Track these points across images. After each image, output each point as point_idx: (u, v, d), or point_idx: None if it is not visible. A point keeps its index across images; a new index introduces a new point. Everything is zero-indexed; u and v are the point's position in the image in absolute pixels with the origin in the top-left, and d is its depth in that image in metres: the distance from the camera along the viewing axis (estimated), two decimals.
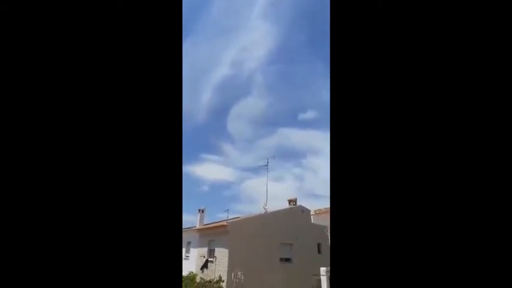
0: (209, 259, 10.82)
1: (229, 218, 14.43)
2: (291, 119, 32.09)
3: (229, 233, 10.18)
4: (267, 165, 13.71)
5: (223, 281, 9.37)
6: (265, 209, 12.51)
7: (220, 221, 12.97)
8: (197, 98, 31.84)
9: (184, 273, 11.04)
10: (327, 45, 1.71)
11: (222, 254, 10.11)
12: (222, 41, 28.25)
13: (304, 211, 12.49)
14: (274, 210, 12.24)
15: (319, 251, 12.01)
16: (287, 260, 11.02)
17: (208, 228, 12.20)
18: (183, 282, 10.03)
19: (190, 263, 12.14)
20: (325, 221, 11.74)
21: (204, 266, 10.80)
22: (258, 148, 31.62)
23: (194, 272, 11.06)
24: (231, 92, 31.13)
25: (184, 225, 16.72)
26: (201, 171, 33.76)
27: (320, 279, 7.68)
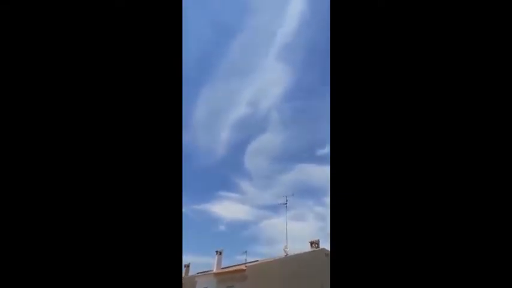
0: None
1: (247, 260, 13.66)
2: (309, 155, 31.58)
3: (248, 279, 9.56)
4: (286, 203, 13.26)
5: None
6: (285, 251, 11.82)
7: (238, 264, 12.32)
8: (215, 137, 32.64)
9: None
10: None
11: None
12: (239, 81, 29.73)
13: (328, 255, 11.61)
14: (296, 253, 11.52)
15: None
16: None
17: (226, 272, 11.56)
18: None
19: None
20: None
21: None
22: (276, 184, 30.83)
23: None
24: (248, 129, 31.66)
25: (201, 268, 15.99)
26: (218, 210, 32.83)
27: None
